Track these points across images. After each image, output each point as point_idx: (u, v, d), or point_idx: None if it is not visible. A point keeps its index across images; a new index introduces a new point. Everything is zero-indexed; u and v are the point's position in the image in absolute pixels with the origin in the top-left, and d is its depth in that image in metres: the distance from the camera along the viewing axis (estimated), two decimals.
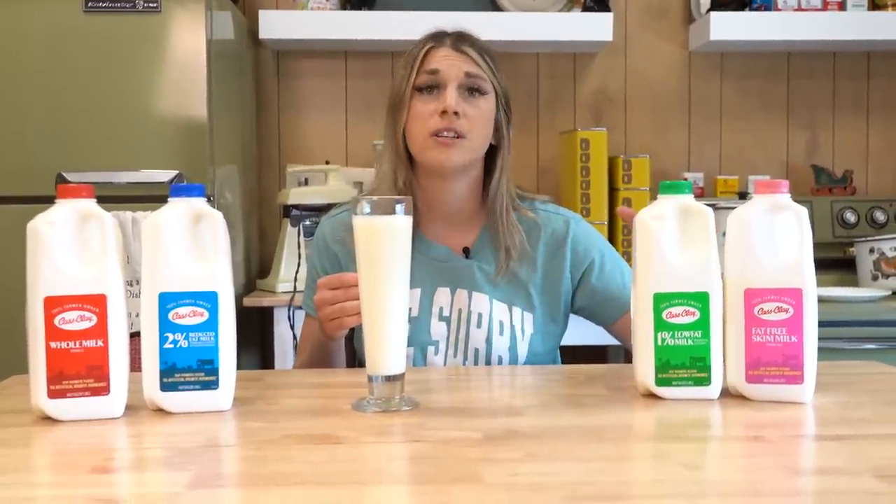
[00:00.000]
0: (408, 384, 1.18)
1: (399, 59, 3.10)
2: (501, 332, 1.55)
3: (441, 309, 1.56)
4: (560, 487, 0.85)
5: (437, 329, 1.56)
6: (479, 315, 1.55)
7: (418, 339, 1.55)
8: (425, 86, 1.53)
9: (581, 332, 1.78)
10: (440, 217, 1.59)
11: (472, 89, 1.53)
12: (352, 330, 1.63)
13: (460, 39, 1.56)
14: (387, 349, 1.15)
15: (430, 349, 1.55)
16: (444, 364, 1.55)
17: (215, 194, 2.46)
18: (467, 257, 1.59)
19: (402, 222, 1.15)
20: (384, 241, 1.15)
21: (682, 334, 1.16)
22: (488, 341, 1.55)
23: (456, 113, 1.49)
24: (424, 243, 1.58)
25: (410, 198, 1.18)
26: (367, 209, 1.15)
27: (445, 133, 1.49)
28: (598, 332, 1.69)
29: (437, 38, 1.57)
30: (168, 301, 1.10)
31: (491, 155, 1.59)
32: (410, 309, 1.55)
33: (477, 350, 1.55)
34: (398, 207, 1.14)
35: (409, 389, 1.18)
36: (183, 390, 1.11)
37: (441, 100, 1.51)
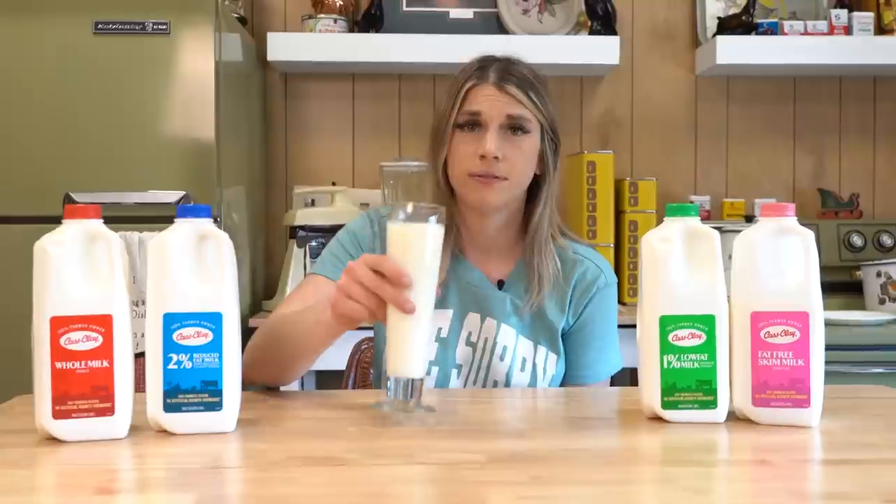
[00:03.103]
0: None
1: (406, 81, 3.14)
2: (523, 369, 1.54)
3: (469, 334, 1.55)
4: None
5: (463, 353, 1.55)
6: (504, 348, 1.54)
7: (443, 361, 1.54)
8: (466, 124, 1.50)
9: None
10: (480, 245, 1.58)
11: (514, 128, 1.49)
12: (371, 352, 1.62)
13: (505, 76, 1.50)
14: (410, 353, 1.18)
15: (454, 372, 1.54)
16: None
17: (222, 215, 2.46)
18: (501, 289, 1.57)
19: (434, 231, 1.17)
20: (417, 248, 1.17)
21: (688, 357, 1.15)
22: (508, 376, 1.53)
23: (496, 157, 1.46)
24: (464, 266, 1.57)
25: (444, 208, 1.21)
26: (402, 216, 1.18)
27: (484, 176, 1.48)
28: None
29: (482, 72, 1.52)
30: (172, 322, 1.10)
31: (536, 183, 1.56)
32: (441, 329, 1.55)
33: (496, 382, 1.54)
34: (432, 217, 1.17)
35: (414, 411, 1.18)
36: (186, 411, 1.10)
37: (481, 143, 1.47)
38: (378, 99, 3.13)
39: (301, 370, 1.44)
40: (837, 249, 2.93)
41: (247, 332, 1.82)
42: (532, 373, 1.54)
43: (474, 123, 1.50)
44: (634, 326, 1.21)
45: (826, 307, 1.18)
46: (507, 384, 1.53)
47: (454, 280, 1.57)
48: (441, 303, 1.54)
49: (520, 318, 1.55)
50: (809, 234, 1.15)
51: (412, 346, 1.18)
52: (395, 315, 1.17)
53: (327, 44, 2.91)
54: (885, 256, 2.88)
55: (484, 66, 1.53)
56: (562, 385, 1.59)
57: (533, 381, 1.54)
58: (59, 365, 1.06)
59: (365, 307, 1.18)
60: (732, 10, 3.06)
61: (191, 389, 1.10)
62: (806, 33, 2.96)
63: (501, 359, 1.54)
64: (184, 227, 1.13)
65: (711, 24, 3.08)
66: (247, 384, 1.44)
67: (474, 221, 1.56)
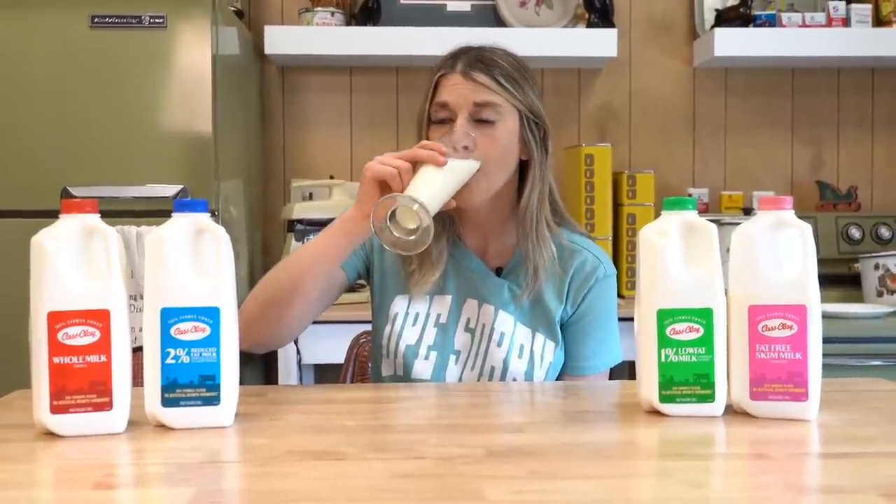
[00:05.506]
0: (409, 399, 1.17)
1: (403, 74, 3.13)
2: (520, 356, 1.54)
3: (468, 320, 1.56)
4: None
5: (462, 339, 1.56)
6: (502, 334, 1.55)
7: (442, 346, 1.55)
8: (437, 117, 1.51)
9: None
10: (477, 233, 1.59)
11: (484, 117, 1.49)
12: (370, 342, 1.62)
13: (472, 63, 1.50)
14: (429, 188, 1.31)
15: (452, 358, 1.55)
16: (461, 375, 1.55)
17: (220, 209, 2.46)
18: (499, 276, 1.58)
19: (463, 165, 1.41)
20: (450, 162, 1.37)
21: (685, 351, 1.15)
22: (505, 362, 1.54)
23: (466, 147, 1.46)
24: (462, 253, 1.58)
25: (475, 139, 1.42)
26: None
27: None
28: None
29: (451, 61, 1.53)
30: (170, 316, 1.10)
31: (527, 169, 1.55)
32: (440, 315, 1.56)
33: (493, 368, 1.54)
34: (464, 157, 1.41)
35: (412, 405, 1.18)
36: (184, 406, 1.10)
37: None
38: (375, 92, 3.12)
39: (308, 295, 1.46)
40: (835, 242, 2.94)
41: None
42: (530, 360, 1.54)
43: (445, 117, 1.50)
44: (632, 319, 1.21)
45: (824, 300, 1.18)
46: (505, 370, 1.54)
47: (452, 266, 1.57)
48: (440, 289, 1.56)
49: (517, 305, 1.55)
50: (807, 228, 1.15)
51: (433, 185, 1.32)
52: (424, 168, 1.33)
53: (324, 37, 2.90)
54: (883, 249, 2.88)
55: (455, 56, 1.54)
56: (562, 375, 1.59)
57: (531, 368, 1.54)
58: (56, 360, 1.06)
59: (395, 167, 1.33)
60: (730, 2, 3.06)
61: (188, 384, 1.10)
62: (804, 25, 2.96)
63: (499, 345, 1.54)
64: (181, 222, 1.12)
65: (709, 16, 3.07)
66: (248, 346, 1.44)
67: (463, 210, 1.55)
